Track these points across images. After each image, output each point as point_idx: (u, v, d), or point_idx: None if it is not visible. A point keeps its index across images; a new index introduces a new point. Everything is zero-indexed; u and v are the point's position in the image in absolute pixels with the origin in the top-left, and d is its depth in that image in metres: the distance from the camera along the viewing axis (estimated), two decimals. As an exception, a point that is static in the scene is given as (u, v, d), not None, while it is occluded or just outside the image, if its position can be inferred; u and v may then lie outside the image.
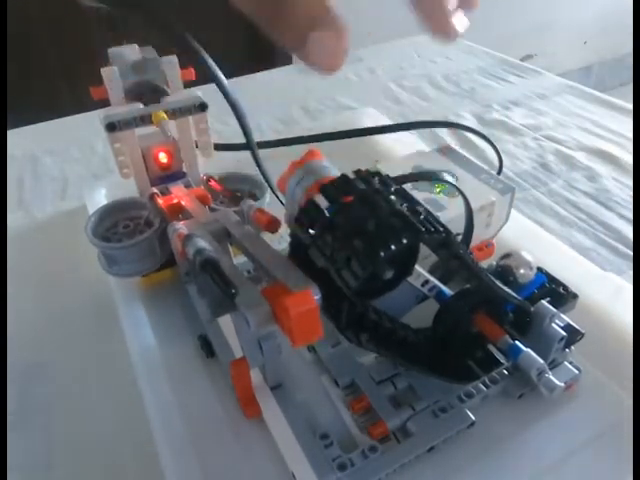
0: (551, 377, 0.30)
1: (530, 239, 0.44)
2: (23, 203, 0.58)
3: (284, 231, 0.37)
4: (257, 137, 0.45)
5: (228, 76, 0.40)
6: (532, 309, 0.31)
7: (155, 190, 0.40)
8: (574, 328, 0.33)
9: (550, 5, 2.02)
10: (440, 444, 0.30)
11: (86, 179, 0.61)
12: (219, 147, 0.53)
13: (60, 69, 1.36)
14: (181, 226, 0.32)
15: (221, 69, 0.39)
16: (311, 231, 0.26)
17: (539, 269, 0.36)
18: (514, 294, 0.30)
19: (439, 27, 0.25)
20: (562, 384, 0.30)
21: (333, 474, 0.28)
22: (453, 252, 0.27)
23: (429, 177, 0.38)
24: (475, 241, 0.38)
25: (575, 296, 0.36)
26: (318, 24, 0.22)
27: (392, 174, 0.29)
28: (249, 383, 0.32)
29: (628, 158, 0.61)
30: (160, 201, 0.38)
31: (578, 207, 0.54)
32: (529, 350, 0.30)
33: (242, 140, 0.43)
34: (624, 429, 0.31)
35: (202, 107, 0.40)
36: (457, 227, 0.32)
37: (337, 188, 0.27)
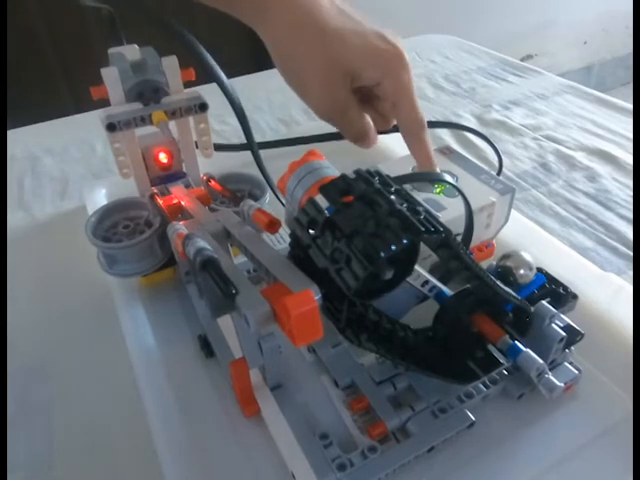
0: (551, 377, 0.30)
1: (530, 239, 0.44)
2: (23, 203, 0.58)
3: (284, 231, 0.37)
4: (257, 137, 0.45)
5: (228, 76, 0.40)
6: (532, 309, 0.31)
7: (155, 190, 0.40)
8: (574, 328, 0.33)
9: (550, 5, 2.02)
10: (440, 444, 0.30)
11: (86, 179, 0.61)
12: (219, 147, 0.53)
13: (60, 69, 1.36)
14: (181, 226, 0.32)
15: (221, 69, 0.39)
16: (311, 231, 0.26)
17: (539, 269, 0.36)
18: (514, 294, 0.30)
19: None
20: (562, 384, 0.30)
21: (333, 474, 0.28)
22: (453, 252, 0.27)
23: (429, 177, 0.38)
24: (475, 241, 0.38)
25: (575, 296, 0.36)
26: (358, 140, 0.40)
27: (392, 174, 0.29)
28: (248, 383, 0.32)
29: (628, 158, 0.61)
30: (160, 201, 0.38)
31: (578, 207, 0.54)
32: (529, 350, 0.30)
33: (242, 140, 0.43)
34: (624, 429, 0.31)
35: (202, 107, 0.40)
36: (457, 227, 0.32)
37: (337, 188, 0.27)
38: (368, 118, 0.39)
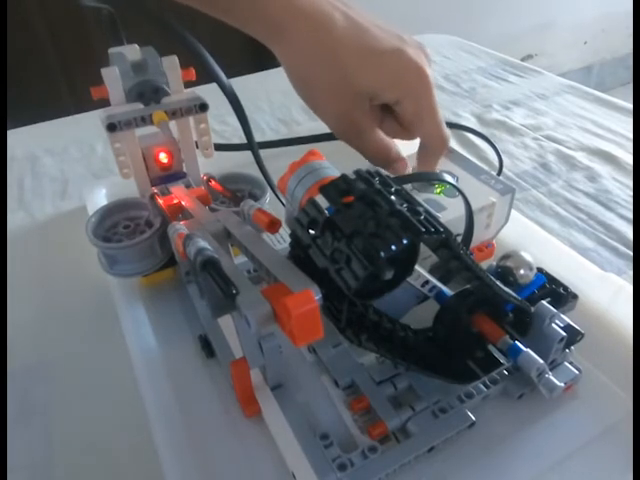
0: (551, 377, 0.30)
1: (530, 239, 0.44)
2: (23, 203, 0.58)
3: (284, 231, 0.37)
4: (257, 137, 0.45)
5: (228, 76, 0.40)
6: (532, 309, 0.31)
7: (155, 190, 0.40)
8: (574, 328, 0.33)
9: (550, 5, 2.02)
10: (440, 444, 0.30)
11: (86, 179, 0.61)
12: (219, 147, 0.53)
13: (60, 69, 1.36)
14: (182, 226, 0.32)
15: (222, 69, 0.39)
16: (311, 231, 0.26)
17: (539, 269, 0.36)
18: (514, 294, 0.30)
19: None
20: (562, 384, 0.30)
21: (333, 474, 0.28)
22: (453, 252, 0.27)
23: (429, 178, 0.38)
24: (475, 242, 0.38)
25: (575, 296, 0.36)
26: (377, 163, 0.37)
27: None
28: (249, 383, 0.32)
29: (628, 158, 0.61)
30: (160, 201, 0.38)
31: (578, 207, 0.54)
32: (529, 350, 0.30)
33: (242, 140, 0.43)
34: (624, 429, 0.31)
35: (203, 107, 0.40)
36: (457, 228, 0.32)
37: (337, 188, 0.27)
38: (388, 140, 0.38)
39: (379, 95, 0.35)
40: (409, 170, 0.41)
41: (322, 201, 0.27)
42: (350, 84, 0.35)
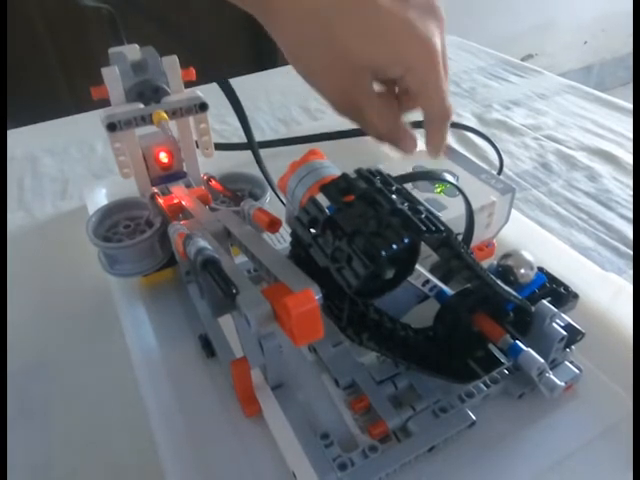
0: (551, 377, 0.30)
1: (531, 239, 0.44)
2: (23, 203, 0.58)
3: (284, 230, 0.37)
4: (257, 137, 0.45)
5: (228, 76, 0.40)
6: (533, 309, 0.31)
7: (156, 190, 0.40)
8: (575, 328, 0.33)
9: (550, 5, 2.02)
10: (441, 444, 0.30)
11: (86, 179, 0.61)
12: (220, 147, 0.53)
13: (60, 69, 1.36)
14: (182, 226, 0.32)
15: (221, 69, 0.39)
16: (312, 230, 0.26)
17: (540, 269, 0.36)
18: (515, 294, 0.30)
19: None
20: (562, 384, 0.30)
21: (333, 474, 0.28)
22: (454, 252, 0.27)
23: (430, 177, 0.38)
24: (476, 241, 0.38)
25: (576, 296, 0.36)
26: (383, 140, 0.35)
27: (393, 174, 0.29)
28: (249, 383, 0.32)
29: (628, 158, 0.61)
30: (161, 201, 0.38)
31: (578, 207, 0.54)
32: (529, 350, 0.30)
33: (242, 139, 0.43)
34: (624, 429, 0.31)
35: (202, 107, 0.40)
36: (458, 227, 0.32)
37: (338, 187, 0.27)
38: (395, 117, 0.35)
39: (381, 70, 0.32)
40: (410, 169, 0.41)
41: (323, 200, 0.27)
42: (349, 60, 0.32)
